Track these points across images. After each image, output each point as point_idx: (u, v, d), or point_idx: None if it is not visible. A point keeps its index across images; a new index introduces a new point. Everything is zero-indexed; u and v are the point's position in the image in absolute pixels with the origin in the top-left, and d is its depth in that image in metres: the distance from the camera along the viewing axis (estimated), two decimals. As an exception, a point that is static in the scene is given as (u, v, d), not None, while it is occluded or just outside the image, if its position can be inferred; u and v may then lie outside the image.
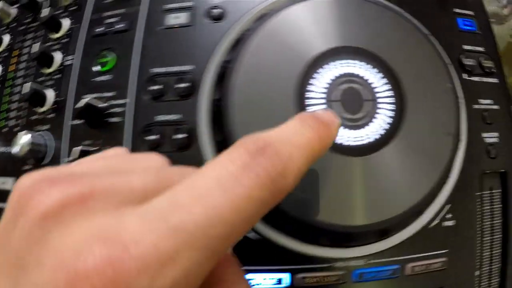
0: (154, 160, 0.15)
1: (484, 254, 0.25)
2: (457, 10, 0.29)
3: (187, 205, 0.10)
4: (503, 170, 0.27)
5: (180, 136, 0.24)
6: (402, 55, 0.24)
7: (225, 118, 0.22)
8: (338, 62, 0.23)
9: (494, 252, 0.26)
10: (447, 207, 0.25)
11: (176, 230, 0.09)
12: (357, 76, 0.23)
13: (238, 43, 0.24)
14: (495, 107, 0.27)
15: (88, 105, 0.25)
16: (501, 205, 0.27)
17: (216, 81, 0.24)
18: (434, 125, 0.24)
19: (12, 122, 0.30)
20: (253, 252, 0.23)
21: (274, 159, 0.12)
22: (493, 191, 0.27)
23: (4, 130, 0.31)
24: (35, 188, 0.11)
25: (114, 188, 0.11)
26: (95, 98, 0.26)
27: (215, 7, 0.26)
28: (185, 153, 0.24)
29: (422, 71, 0.24)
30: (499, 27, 0.45)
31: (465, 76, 0.27)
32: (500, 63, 0.29)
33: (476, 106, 0.27)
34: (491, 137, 0.27)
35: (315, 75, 0.23)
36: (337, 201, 0.22)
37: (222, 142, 0.23)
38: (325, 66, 0.23)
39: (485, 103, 0.27)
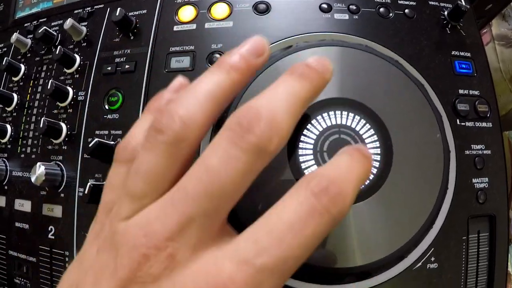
0: None
1: (468, 295, 0.27)
2: (455, 53, 0.29)
3: (267, 248, 0.13)
4: (491, 214, 0.27)
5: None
6: (392, 106, 0.25)
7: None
8: (328, 114, 0.24)
9: (478, 293, 0.27)
10: (432, 250, 0.26)
11: (260, 270, 0.13)
12: (347, 127, 0.24)
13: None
14: (487, 152, 0.28)
15: (99, 144, 0.27)
16: (487, 248, 0.27)
17: (214, 128, 0.26)
18: (421, 175, 0.25)
19: (28, 149, 0.33)
20: None
21: (337, 199, 0.14)
22: (481, 234, 0.27)
23: (22, 155, 0.33)
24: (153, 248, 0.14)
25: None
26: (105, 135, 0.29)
27: (214, 52, 0.27)
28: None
29: (412, 122, 0.25)
30: (507, 50, 0.45)
31: (459, 121, 0.28)
32: (496, 105, 0.29)
33: (468, 152, 0.27)
34: (481, 182, 0.27)
35: (308, 126, 0.24)
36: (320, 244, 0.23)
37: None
38: (317, 117, 0.24)
39: (477, 148, 0.28)
